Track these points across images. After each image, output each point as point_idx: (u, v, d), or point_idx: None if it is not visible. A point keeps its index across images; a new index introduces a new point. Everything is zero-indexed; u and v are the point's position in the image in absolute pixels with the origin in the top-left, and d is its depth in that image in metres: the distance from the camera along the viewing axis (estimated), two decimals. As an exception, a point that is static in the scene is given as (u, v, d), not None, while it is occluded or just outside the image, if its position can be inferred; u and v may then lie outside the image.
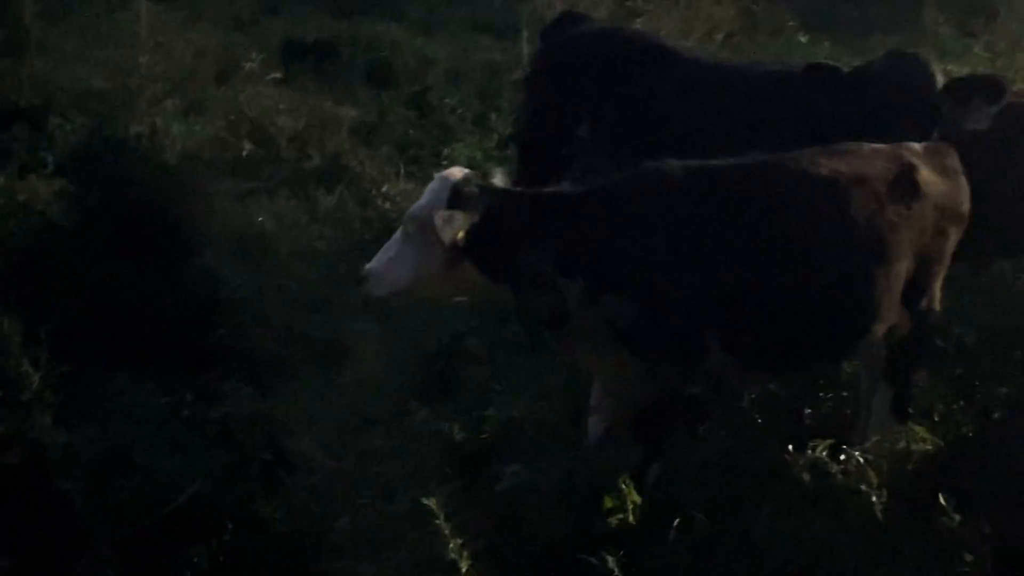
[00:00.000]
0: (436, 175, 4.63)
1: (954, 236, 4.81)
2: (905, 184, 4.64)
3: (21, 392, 4.77)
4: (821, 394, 5.08)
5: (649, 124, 6.09)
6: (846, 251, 4.53)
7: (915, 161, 4.72)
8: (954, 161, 4.87)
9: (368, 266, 4.52)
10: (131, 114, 7.70)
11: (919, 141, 4.95)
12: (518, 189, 4.83)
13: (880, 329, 4.66)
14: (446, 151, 8.65)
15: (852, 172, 4.59)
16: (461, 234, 4.35)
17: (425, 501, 3.98)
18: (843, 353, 4.79)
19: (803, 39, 11.07)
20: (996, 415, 4.65)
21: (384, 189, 8.00)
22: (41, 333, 4.89)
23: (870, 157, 4.69)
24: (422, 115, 9.62)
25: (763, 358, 4.59)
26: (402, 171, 8.47)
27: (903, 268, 4.63)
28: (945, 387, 4.85)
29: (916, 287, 4.75)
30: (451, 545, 3.96)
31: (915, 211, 4.64)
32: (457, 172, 4.58)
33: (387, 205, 7.83)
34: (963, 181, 4.86)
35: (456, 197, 4.41)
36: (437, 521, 3.97)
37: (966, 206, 4.84)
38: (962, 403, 4.70)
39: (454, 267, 4.42)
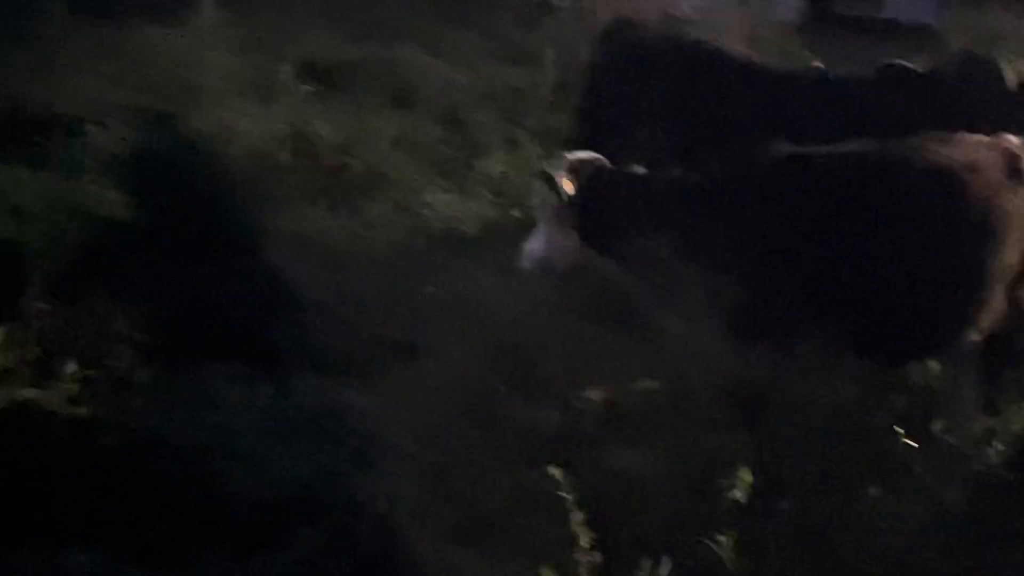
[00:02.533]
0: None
1: None
2: (1013, 172, 4.69)
3: (121, 378, 4.72)
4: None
5: (718, 133, 6.15)
6: (963, 239, 4.55)
7: (1017, 151, 4.78)
8: None
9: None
10: (195, 112, 7.69)
11: None
12: (636, 171, 4.87)
13: (987, 320, 4.69)
14: (477, 164, 8.73)
15: (965, 159, 4.64)
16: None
17: (551, 471, 3.94)
18: (953, 344, 4.79)
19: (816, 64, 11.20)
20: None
21: (424, 199, 8.05)
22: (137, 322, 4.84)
23: (977, 145, 4.75)
24: (452, 132, 9.66)
25: (874, 348, 4.60)
26: (438, 183, 8.52)
27: (1011, 258, 4.67)
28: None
29: (1019, 280, 4.79)
30: (574, 519, 3.93)
31: (1021, 200, 4.69)
32: (584, 154, 4.92)
33: (428, 213, 7.89)
34: None
35: (576, 171, 4.71)
36: (560, 493, 3.93)
37: None
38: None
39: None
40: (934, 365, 5.21)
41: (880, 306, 4.52)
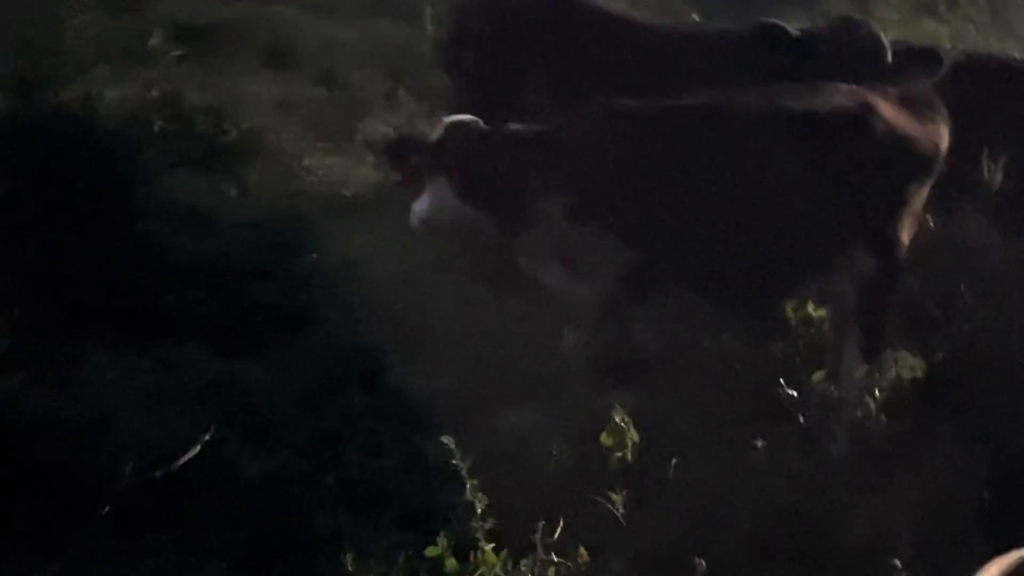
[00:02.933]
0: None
1: (922, 180, 4.94)
2: (860, 122, 4.78)
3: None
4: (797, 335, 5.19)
5: (593, 89, 6.14)
6: (790, 189, 4.66)
7: (875, 100, 4.86)
8: (934, 106, 4.99)
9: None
10: (61, 79, 7.41)
11: None
12: (499, 126, 5.13)
13: (833, 268, 4.78)
14: (359, 125, 8.60)
15: (804, 108, 4.73)
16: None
17: (444, 440, 3.92)
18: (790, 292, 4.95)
19: (696, 18, 11.25)
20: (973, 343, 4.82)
21: (305, 163, 7.93)
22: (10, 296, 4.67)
23: (826, 95, 4.84)
24: (331, 94, 9.49)
25: (721, 293, 4.73)
26: (319, 147, 8.39)
27: (856, 207, 4.76)
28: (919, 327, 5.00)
29: (878, 229, 4.89)
30: (468, 485, 3.92)
31: (870, 151, 4.77)
32: (458, 117, 5.09)
33: (310, 178, 7.76)
34: (939, 128, 4.98)
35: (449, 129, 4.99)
36: (454, 461, 3.92)
37: (937, 152, 4.96)
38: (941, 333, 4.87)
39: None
40: (819, 313, 5.30)
41: (724, 253, 4.69)
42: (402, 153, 5.36)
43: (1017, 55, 7.48)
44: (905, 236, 4.99)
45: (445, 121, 5.22)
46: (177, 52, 9.48)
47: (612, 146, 4.82)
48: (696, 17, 11.42)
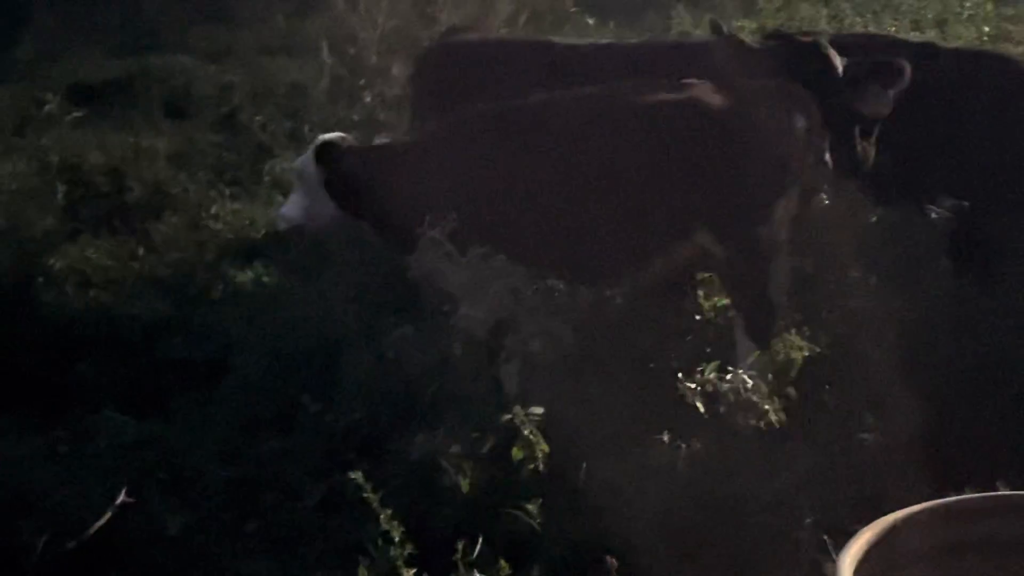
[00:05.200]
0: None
1: (767, 173, 5.02)
2: (684, 117, 4.98)
3: None
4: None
5: None
6: (630, 179, 5.00)
7: (705, 96, 5.00)
8: (794, 103, 5.04)
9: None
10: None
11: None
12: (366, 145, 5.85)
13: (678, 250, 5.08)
14: (266, 168, 8.64)
15: (637, 102, 5.05)
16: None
17: (352, 475, 3.98)
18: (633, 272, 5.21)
19: (590, 21, 11.39)
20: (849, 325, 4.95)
21: (213, 211, 7.95)
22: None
23: (665, 89, 5.08)
24: (232, 138, 9.53)
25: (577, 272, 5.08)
26: (226, 192, 8.42)
27: (693, 198, 4.94)
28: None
29: (722, 221, 5.02)
30: (382, 516, 3.98)
31: (693, 144, 4.96)
32: (332, 135, 5.74)
33: (217, 226, 7.79)
34: (792, 122, 5.03)
35: (321, 150, 5.55)
36: (366, 495, 3.98)
37: (782, 148, 5.01)
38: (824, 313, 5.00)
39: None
40: (717, 303, 5.42)
41: (576, 236, 5.06)
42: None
43: (895, 32, 7.67)
44: (758, 228, 5.02)
45: (319, 139, 5.79)
46: (75, 114, 9.51)
47: (467, 152, 5.23)
48: (590, 22, 11.60)
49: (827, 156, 5.13)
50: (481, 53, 6.59)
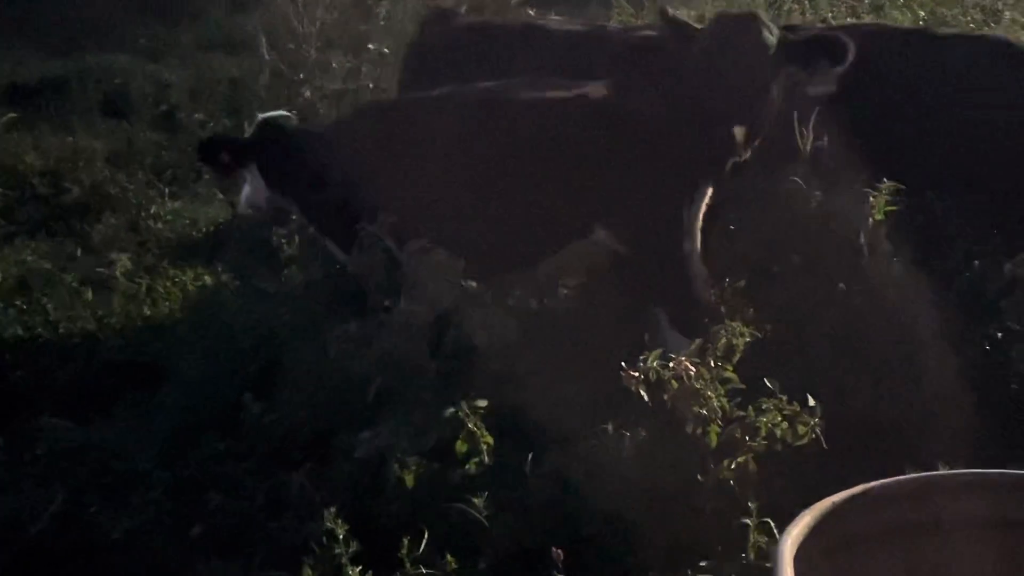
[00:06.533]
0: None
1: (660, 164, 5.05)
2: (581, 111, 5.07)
3: None
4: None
5: None
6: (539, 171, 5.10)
7: (598, 91, 5.09)
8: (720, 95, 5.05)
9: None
10: None
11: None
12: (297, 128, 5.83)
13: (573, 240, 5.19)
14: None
15: (544, 97, 5.14)
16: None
17: (295, 475, 3.95)
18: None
19: (531, 12, 11.36)
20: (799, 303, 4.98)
21: (152, 211, 7.88)
22: None
23: (572, 84, 5.16)
24: (171, 136, 9.43)
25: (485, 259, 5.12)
26: (166, 192, 8.35)
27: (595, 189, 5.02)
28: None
29: (624, 215, 5.07)
30: (326, 515, 3.94)
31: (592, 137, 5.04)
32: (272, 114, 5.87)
33: (158, 226, 7.72)
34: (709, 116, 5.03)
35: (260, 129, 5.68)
36: (309, 492, 3.94)
37: (677, 147, 5.04)
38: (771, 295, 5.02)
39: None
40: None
41: (484, 225, 5.18)
42: (212, 152, 5.80)
43: (831, 18, 7.71)
44: (657, 225, 5.08)
45: (259, 118, 5.82)
46: (10, 115, 9.36)
47: (369, 144, 5.35)
48: (531, 13, 11.56)
49: (758, 140, 5.16)
50: (471, 35, 6.55)
